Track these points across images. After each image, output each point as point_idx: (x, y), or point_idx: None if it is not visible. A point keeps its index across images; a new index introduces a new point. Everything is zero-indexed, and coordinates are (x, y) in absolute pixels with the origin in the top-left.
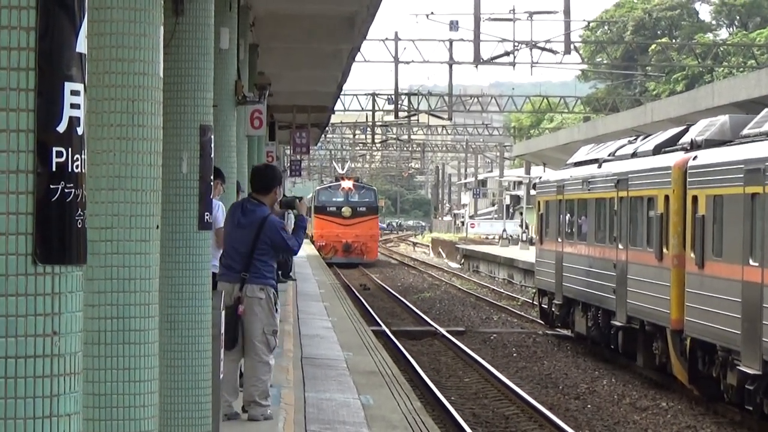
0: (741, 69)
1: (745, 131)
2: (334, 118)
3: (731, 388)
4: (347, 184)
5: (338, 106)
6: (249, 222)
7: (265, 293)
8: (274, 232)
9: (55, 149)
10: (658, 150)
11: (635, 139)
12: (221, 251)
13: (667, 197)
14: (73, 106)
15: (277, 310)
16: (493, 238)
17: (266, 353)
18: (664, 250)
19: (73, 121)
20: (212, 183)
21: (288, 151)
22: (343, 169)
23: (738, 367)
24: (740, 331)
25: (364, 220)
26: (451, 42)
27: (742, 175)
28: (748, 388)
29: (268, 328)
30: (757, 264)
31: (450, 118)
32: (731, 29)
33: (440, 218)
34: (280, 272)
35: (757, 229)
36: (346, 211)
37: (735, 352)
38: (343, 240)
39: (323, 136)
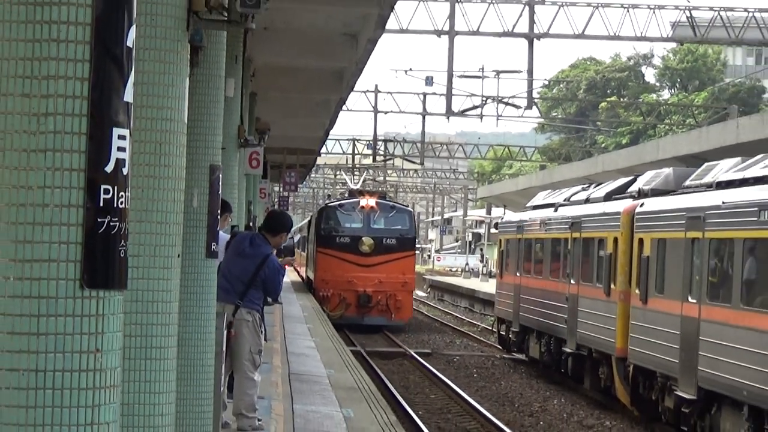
0: (681, 126)
1: (687, 182)
2: (318, 160)
3: (668, 410)
4: (369, 201)
5: (322, 149)
6: (254, 254)
7: (251, 316)
8: (273, 272)
9: (103, 187)
10: (608, 197)
11: (588, 186)
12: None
13: (616, 239)
14: (120, 149)
15: (262, 331)
16: (457, 270)
17: (252, 370)
18: (612, 286)
19: (120, 163)
20: (222, 216)
21: (277, 188)
22: (356, 183)
23: (675, 392)
24: (678, 360)
25: (393, 258)
26: (424, 95)
27: (684, 222)
28: (684, 411)
29: (254, 347)
30: (695, 301)
31: (422, 163)
32: (673, 91)
33: None
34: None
35: (695, 269)
36: (366, 243)
37: (673, 378)
38: (359, 289)
39: (308, 176)
